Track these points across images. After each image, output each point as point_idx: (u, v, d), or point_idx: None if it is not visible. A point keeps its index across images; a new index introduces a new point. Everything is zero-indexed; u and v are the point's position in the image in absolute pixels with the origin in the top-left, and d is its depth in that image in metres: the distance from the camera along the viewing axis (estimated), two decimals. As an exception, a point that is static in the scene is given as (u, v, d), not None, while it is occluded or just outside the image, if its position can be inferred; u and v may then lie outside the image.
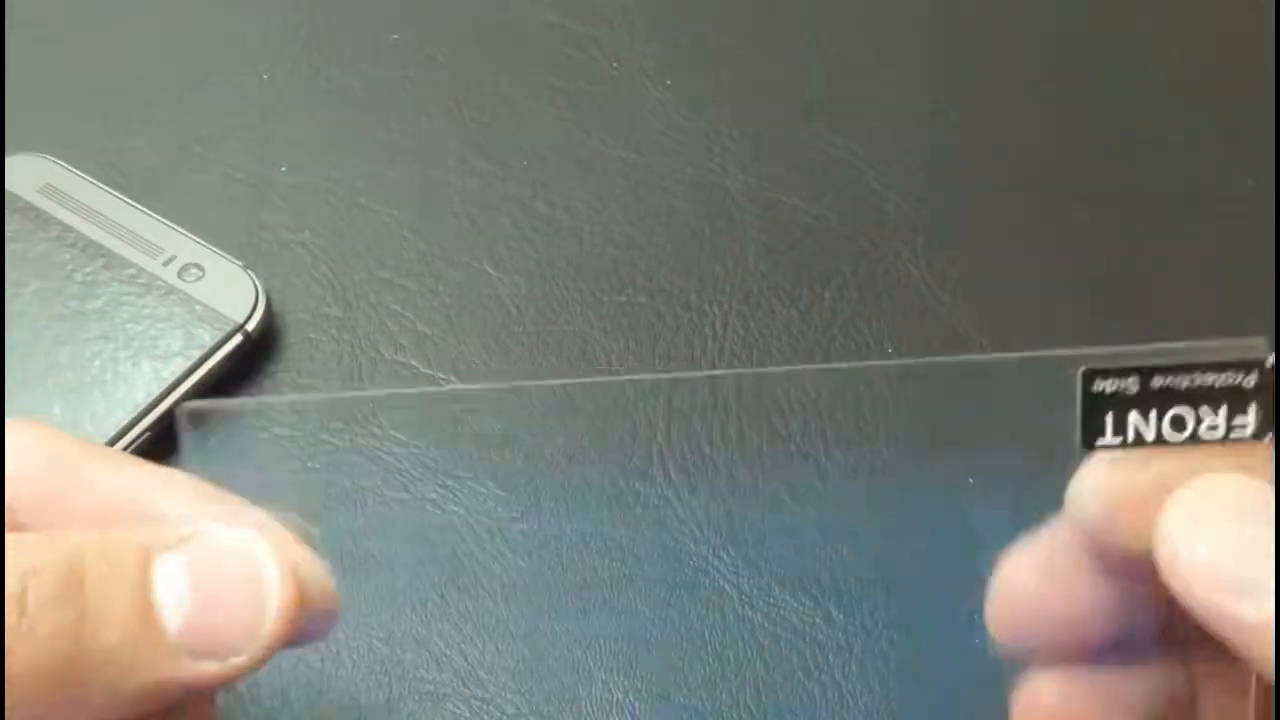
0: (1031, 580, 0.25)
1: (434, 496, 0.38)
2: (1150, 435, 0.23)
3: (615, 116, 0.47)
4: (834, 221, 0.44)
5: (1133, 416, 0.24)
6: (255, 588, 0.23)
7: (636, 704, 0.35)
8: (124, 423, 0.37)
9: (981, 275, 0.43)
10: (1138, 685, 0.25)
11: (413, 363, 0.41)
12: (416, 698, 0.35)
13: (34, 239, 0.40)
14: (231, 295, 0.40)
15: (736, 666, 0.36)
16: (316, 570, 0.24)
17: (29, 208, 0.41)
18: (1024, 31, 0.50)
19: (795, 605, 0.36)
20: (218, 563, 0.23)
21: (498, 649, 0.36)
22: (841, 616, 0.36)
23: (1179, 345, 0.24)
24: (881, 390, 0.28)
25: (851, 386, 0.27)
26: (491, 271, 0.43)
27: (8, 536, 0.22)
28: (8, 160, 0.42)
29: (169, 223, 0.41)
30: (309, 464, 0.39)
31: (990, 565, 0.25)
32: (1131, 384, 0.24)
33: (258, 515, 0.25)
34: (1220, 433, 0.23)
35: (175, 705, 0.23)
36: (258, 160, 0.45)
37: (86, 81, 0.47)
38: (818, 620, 0.36)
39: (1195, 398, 0.23)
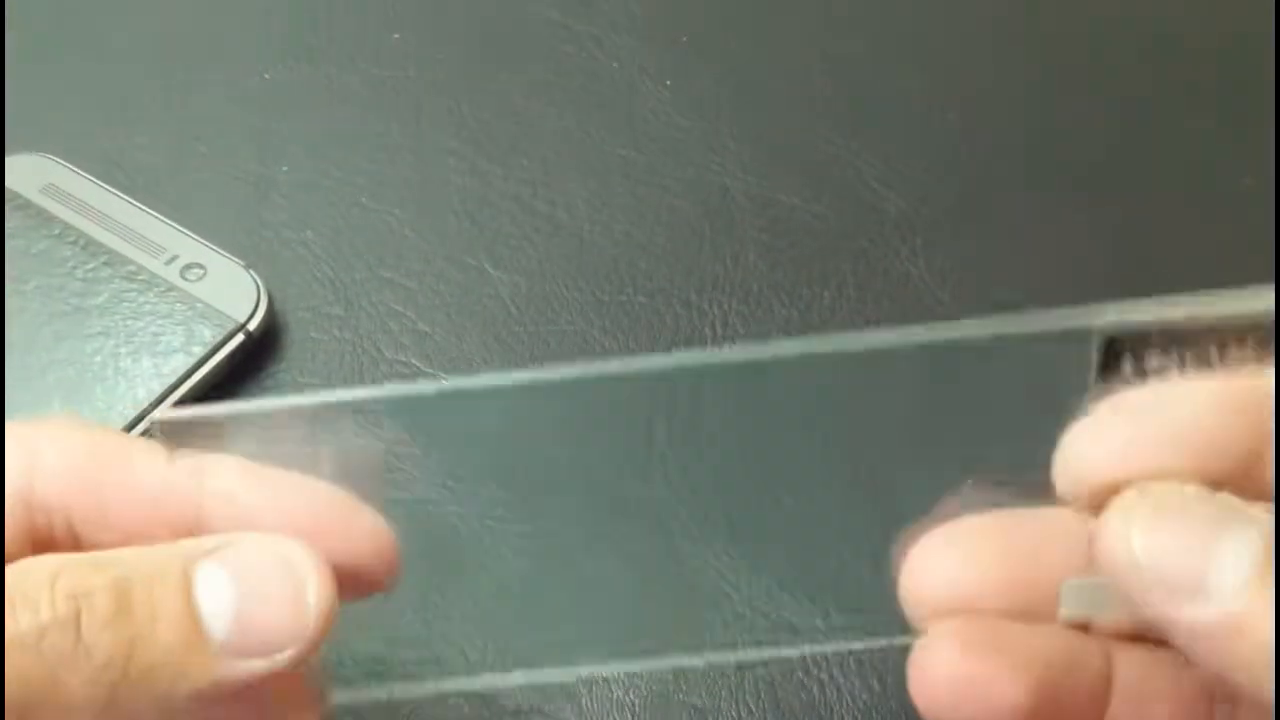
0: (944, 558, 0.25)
1: (434, 496, 0.38)
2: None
3: (615, 116, 0.47)
4: (834, 221, 0.44)
5: (1154, 361, 0.23)
6: (294, 587, 0.23)
7: (636, 704, 0.35)
8: (126, 422, 0.37)
9: (981, 275, 0.43)
10: (1042, 641, 0.25)
11: (414, 361, 0.41)
12: (418, 697, 0.35)
13: (35, 236, 0.40)
14: (233, 294, 0.40)
15: (736, 666, 0.36)
16: (366, 528, 0.25)
17: (30, 206, 0.41)
18: (1024, 31, 0.50)
19: (795, 605, 0.37)
20: (255, 566, 0.23)
21: (498, 648, 0.36)
22: (841, 617, 0.36)
23: (1190, 305, 0.23)
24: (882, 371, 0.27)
25: (859, 373, 0.26)
26: (492, 270, 0.43)
27: (52, 557, 0.22)
28: (10, 160, 0.42)
29: (171, 222, 0.41)
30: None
31: None
32: (1154, 348, 0.23)
33: (306, 485, 0.25)
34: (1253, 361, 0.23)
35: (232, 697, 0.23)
36: (259, 159, 0.45)
37: (88, 81, 0.47)
38: (817, 621, 0.36)
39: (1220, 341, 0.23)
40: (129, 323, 0.39)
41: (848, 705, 0.35)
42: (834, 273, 0.43)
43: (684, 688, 0.35)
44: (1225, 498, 0.22)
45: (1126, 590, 0.22)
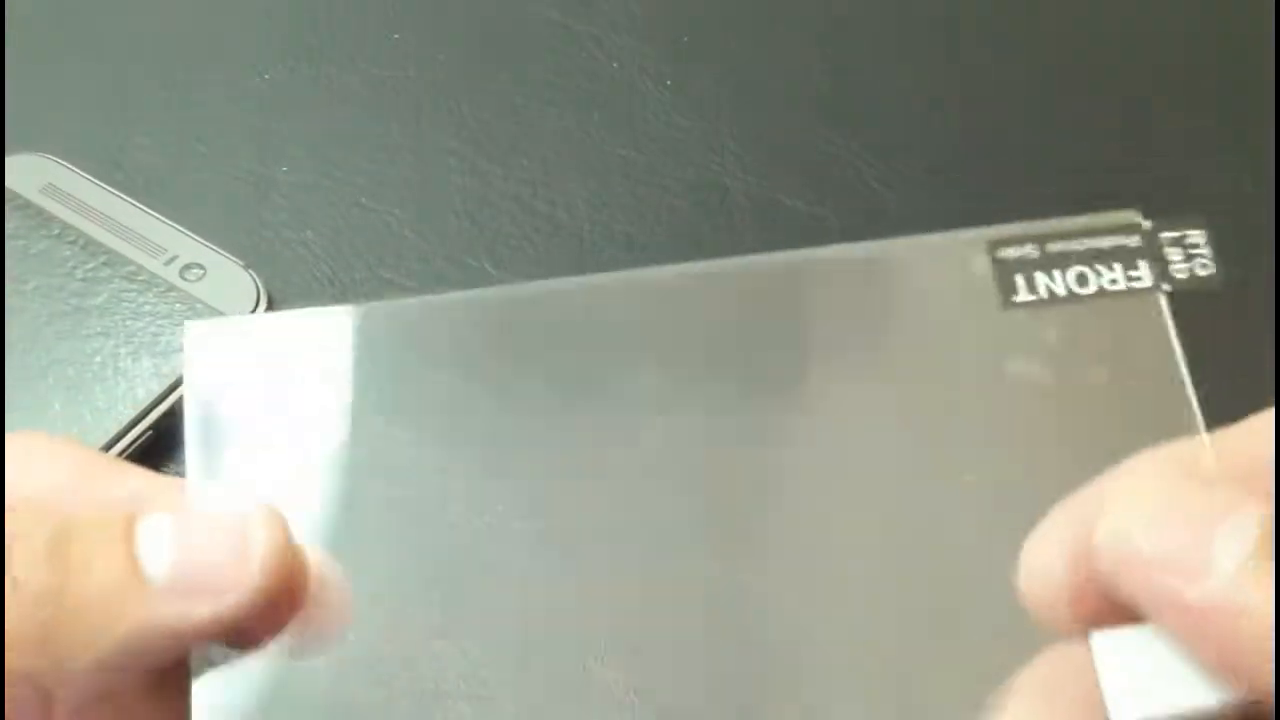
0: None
1: (435, 496, 0.38)
2: (1061, 290, 0.26)
3: (616, 116, 0.47)
4: (834, 221, 0.44)
5: (1040, 276, 0.27)
6: (239, 534, 0.23)
7: (637, 704, 0.35)
8: (126, 420, 0.37)
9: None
10: None
11: (413, 362, 0.41)
12: (417, 696, 0.35)
13: (35, 236, 0.40)
14: (233, 294, 0.40)
15: (736, 666, 0.36)
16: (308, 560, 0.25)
17: (30, 206, 0.41)
18: (1024, 32, 0.50)
19: (795, 605, 0.36)
20: (202, 514, 0.23)
21: (498, 648, 0.36)
22: (841, 617, 0.36)
23: (1064, 220, 0.27)
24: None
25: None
26: (492, 270, 0.43)
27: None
28: (9, 160, 0.42)
29: (170, 222, 0.41)
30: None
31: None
32: (1031, 250, 0.27)
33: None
34: (1121, 284, 0.26)
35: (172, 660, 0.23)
36: (259, 160, 0.45)
37: (88, 81, 0.47)
38: (818, 620, 0.36)
39: (1090, 258, 0.27)
40: (129, 323, 0.39)
41: (848, 706, 0.35)
42: (834, 273, 0.43)
43: (684, 688, 0.35)
44: (1223, 489, 0.22)
45: (1130, 586, 0.22)
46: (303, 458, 0.27)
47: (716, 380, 0.29)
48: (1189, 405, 0.26)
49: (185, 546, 0.22)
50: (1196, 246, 0.27)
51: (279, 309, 0.41)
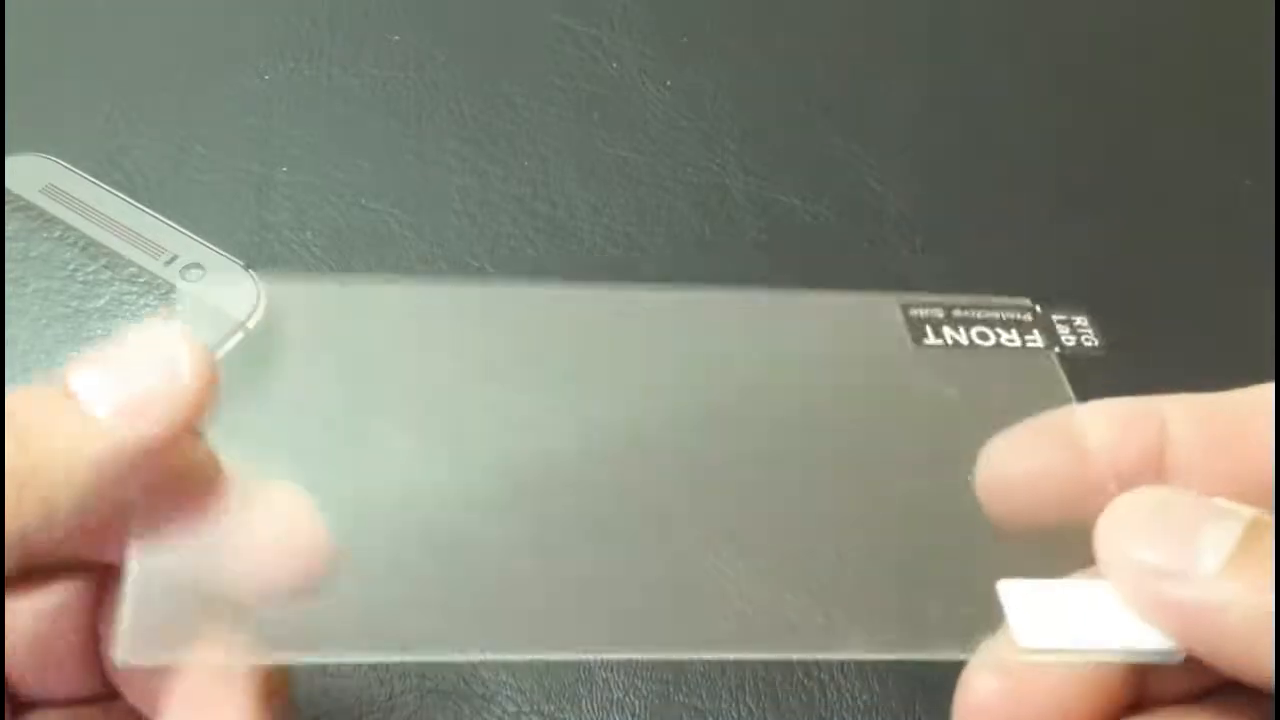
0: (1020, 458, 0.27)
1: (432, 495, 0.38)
2: (965, 341, 0.31)
3: (616, 116, 0.47)
4: (834, 221, 0.44)
5: (946, 329, 0.31)
6: (166, 358, 0.25)
7: (636, 704, 0.35)
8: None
9: (981, 275, 0.43)
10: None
11: (413, 362, 0.41)
12: (417, 695, 0.35)
13: (36, 239, 0.40)
14: (233, 294, 0.40)
15: (736, 666, 0.36)
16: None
17: (31, 207, 0.41)
18: (1023, 32, 0.50)
19: (795, 605, 0.37)
20: (130, 347, 0.25)
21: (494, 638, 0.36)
22: (841, 617, 0.36)
23: (965, 296, 0.31)
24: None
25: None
26: (492, 270, 0.43)
27: None
28: (9, 160, 0.42)
29: (170, 222, 0.41)
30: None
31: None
32: (938, 312, 0.31)
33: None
34: (1018, 343, 0.31)
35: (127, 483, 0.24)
36: (259, 160, 0.45)
37: (88, 82, 0.47)
38: (818, 619, 0.36)
39: (991, 323, 0.31)
40: (130, 326, 0.39)
41: (848, 706, 0.35)
42: (834, 273, 0.43)
43: (684, 688, 0.35)
44: (1207, 499, 0.24)
45: (1124, 587, 0.24)
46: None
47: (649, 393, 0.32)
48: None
49: (119, 379, 0.25)
50: (1082, 327, 0.31)
51: (279, 310, 0.41)
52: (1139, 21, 0.51)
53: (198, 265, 0.41)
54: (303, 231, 0.44)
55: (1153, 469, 0.26)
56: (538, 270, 0.43)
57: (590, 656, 0.30)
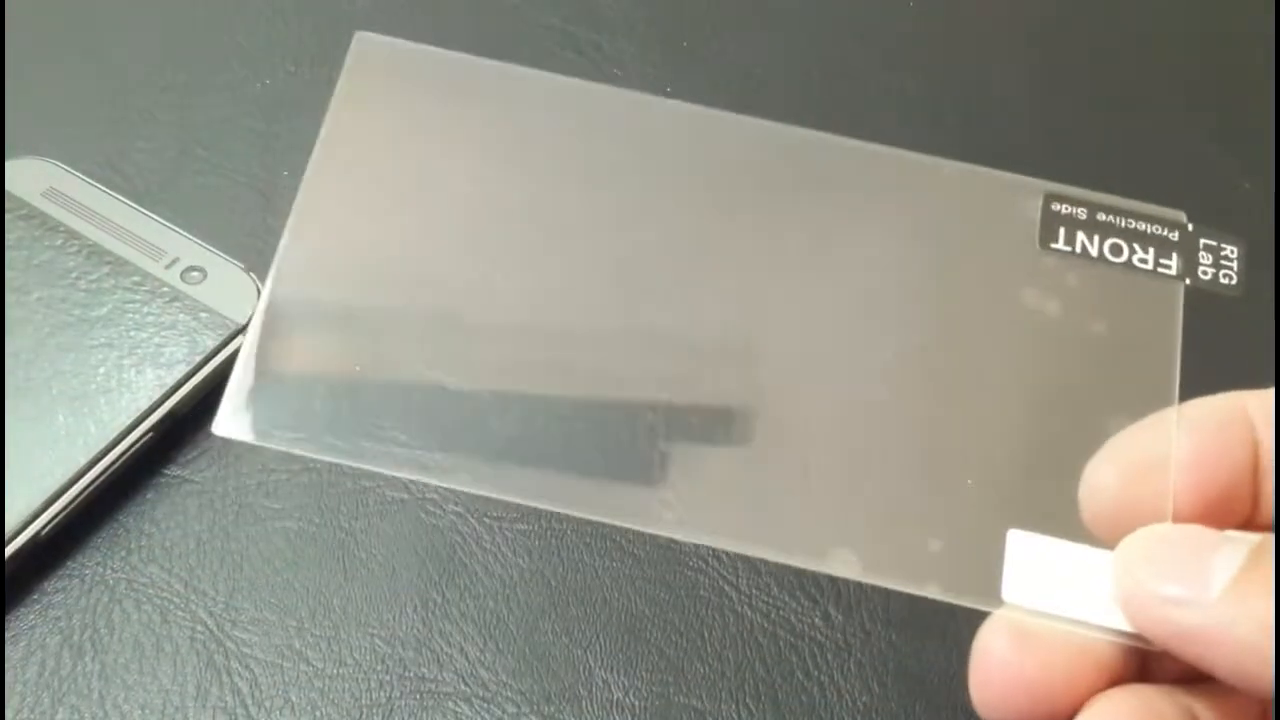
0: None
1: (434, 496, 0.38)
2: (1094, 252, 0.30)
3: (616, 120, 0.47)
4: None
5: (1080, 234, 0.30)
6: None
7: (636, 704, 0.35)
8: (125, 424, 0.37)
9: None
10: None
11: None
12: (417, 696, 0.35)
13: (38, 247, 0.41)
14: (233, 297, 0.40)
15: (736, 666, 0.36)
16: None
17: (34, 213, 0.41)
18: (1023, 33, 0.50)
19: (795, 605, 0.37)
20: None
21: (498, 648, 0.36)
22: (841, 617, 0.36)
23: (1121, 199, 0.30)
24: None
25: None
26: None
27: None
28: (10, 163, 0.42)
29: (171, 225, 0.41)
30: (310, 463, 0.39)
31: None
32: (1081, 212, 0.30)
33: None
34: (1150, 265, 0.29)
35: None
36: (260, 164, 0.45)
37: (89, 85, 0.47)
38: (817, 620, 0.36)
39: (1130, 236, 0.30)
40: (133, 334, 0.39)
41: (848, 707, 0.35)
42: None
43: (684, 689, 0.35)
44: (1214, 531, 0.25)
45: (1135, 614, 0.25)
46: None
47: (725, 215, 0.31)
48: (1171, 381, 0.29)
49: None
50: (1228, 258, 0.30)
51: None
52: (1138, 22, 0.51)
53: (199, 268, 0.41)
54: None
55: (1247, 480, 0.27)
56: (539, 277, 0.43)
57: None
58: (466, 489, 0.28)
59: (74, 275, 0.40)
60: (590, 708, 0.35)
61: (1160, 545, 0.25)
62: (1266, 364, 0.40)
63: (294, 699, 0.35)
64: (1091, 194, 0.30)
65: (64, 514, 0.36)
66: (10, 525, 0.36)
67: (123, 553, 0.37)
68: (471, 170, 0.32)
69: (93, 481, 0.37)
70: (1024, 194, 0.31)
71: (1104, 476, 0.27)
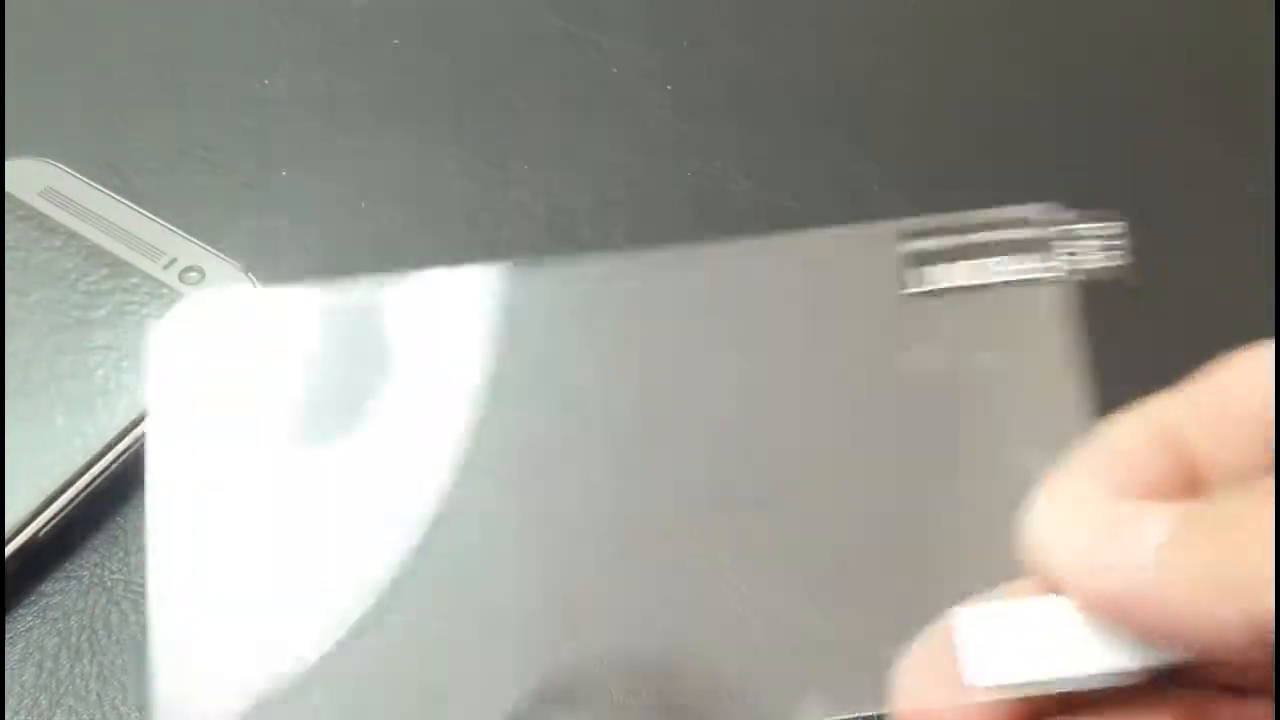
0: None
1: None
2: (966, 280, 0.28)
3: (616, 120, 0.47)
4: (834, 224, 0.44)
5: (946, 266, 0.28)
6: None
7: (636, 704, 0.35)
8: (124, 425, 0.37)
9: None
10: None
11: (413, 365, 0.41)
12: (416, 698, 0.35)
13: (37, 247, 0.40)
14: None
15: (737, 666, 0.35)
16: None
17: (32, 214, 0.41)
18: (1024, 33, 0.50)
19: (795, 605, 0.36)
20: None
21: (497, 649, 0.36)
22: (841, 616, 0.36)
23: (982, 212, 0.28)
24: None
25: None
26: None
27: None
28: (9, 164, 0.42)
29: (169, 225, 0.41)
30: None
31: None
32: (942, 241, 0.28)
33: None
34: (1031, 272, 0.27)
35: None
36: (258, 164, 0.45)
37: (88, 85, 0.47)
38: (817, 620, 0.36)
39: (1003, 249, 0.28)
40: (131, 335, 0.39)
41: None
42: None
43: (684, 689, 0.35)
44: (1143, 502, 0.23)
45: (1076, 595, 0.23)
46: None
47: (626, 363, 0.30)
48: (1080, 395, 0.27)
49: None
50: (1113, 238, 0.28)
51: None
52: (1140, 23, 0.51)
53: (197, 269, 0.40)
54: (302, 235, 0.44)
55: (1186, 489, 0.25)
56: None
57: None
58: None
59: (73, 276, 0.40)
60: (590, 708, 0.35)
61: (1088, 517, 0.24)
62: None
63: (293, 700, 0.35)
64: (947, 218, 0.28)
65: (62, 515, 0.36)
66: (9, 526, 0.35)
67: (121, 554, 0.37)
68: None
69: (91, 483, 0.37)
70: (876, 243, 0.29)
71: (1044, 523, 0.24)
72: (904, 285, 0.28)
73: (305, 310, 0.30)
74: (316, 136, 0.46)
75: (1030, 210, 0.28)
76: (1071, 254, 0.28)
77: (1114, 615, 0.23)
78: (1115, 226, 0.28)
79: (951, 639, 0.24)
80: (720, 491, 0.29)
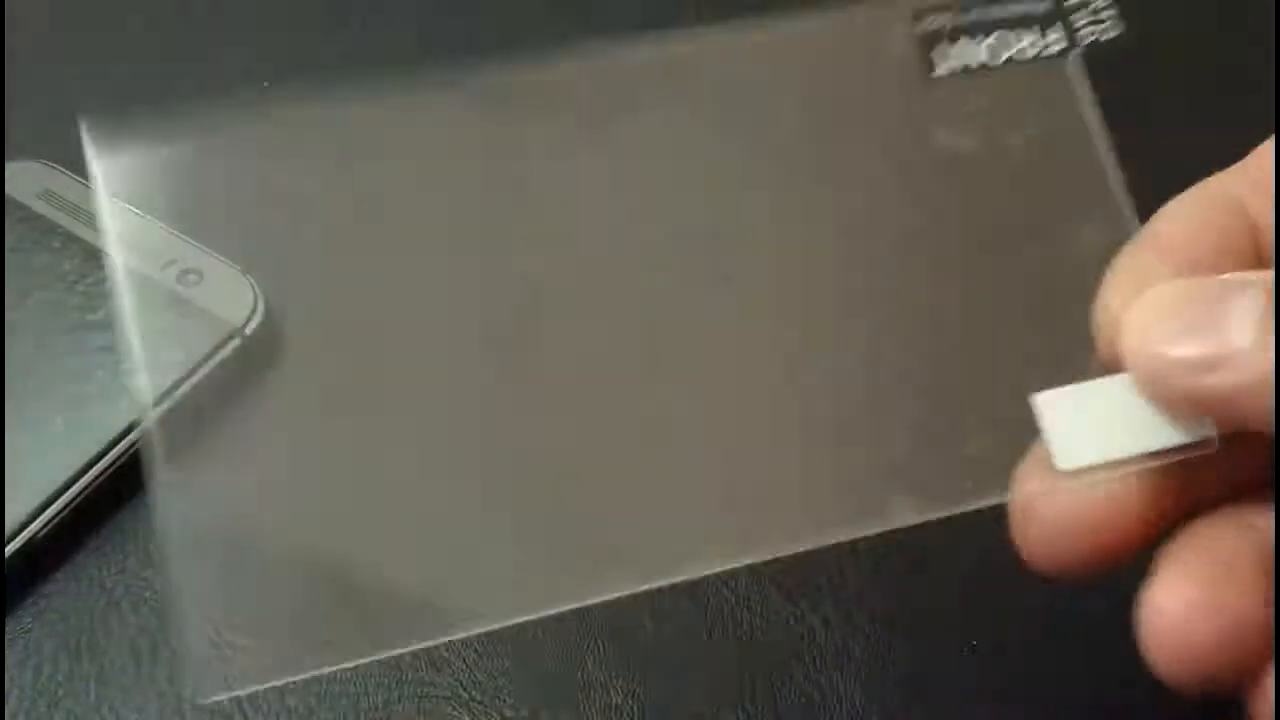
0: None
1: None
2: (979, 60, 0.28)
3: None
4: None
5: (959, 46, 0.28)
6: None
7: (635, 708, 0.35)
8: (123, 427, 0.37)
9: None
10: None
11: (412, 367, 0.41)
12: (415, 701, 0.35)
13: (36, 249, 0.40)
14: (230, 300, 0.40)
15: (736, 669, 0.36)
16: None
17: (31, 216, 0.41)
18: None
19: (793, 608, 0.36)
20: None
21: (495, 652, 0.36)
22: (840, 619, 0.36)
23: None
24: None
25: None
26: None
27: None
28: (8, 166, 0.42)
29: (168, 227, 0.41)
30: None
31: None
32: (950, 21, 0.28)
33: None
34: (1034, 51, 0.28)
35: None
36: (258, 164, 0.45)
37: (88, 87, 0.47)
38: (815, 623, 0.36)
39: (1005, 25, 0.28)
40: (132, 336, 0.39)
41: (847, 710, 0.35)
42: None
43: (682, 693, 0.35)
44: (1221, 278, 0.24)
45: (1151, 384, 0.24)
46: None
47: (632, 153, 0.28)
48: (1109, 165, 0.29)
49: None
50: (1102, 9, 0.30)
51: (276, 314, 0.41)
52: (1140, 23, 0.51)
53: (196, 271, 0.40)
54: (302, 236, 0.44)
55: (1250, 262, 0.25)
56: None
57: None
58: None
59: (71, 278, 0.40)
60: (589, 712, 0.35)
61: (1170, 305, 0.24)
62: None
63: (291, 704, 0.35)
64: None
65: (61, 517, 0.36)
66: (8, 528, 0.35)
67: (120, 556, 0.37)
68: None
69: (90, 485, 0.37)
70: (886, 25, 0.28)
71: (1111, 302, 0.25)
72: (930, 69, 0.28)
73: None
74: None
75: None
76: (1069, 28, 0.29)
77: (1214, 414, 0.23)
78: (1101, 1, 0.30)
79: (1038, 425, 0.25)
80: (756, 293, 0.28)
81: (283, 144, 0.29)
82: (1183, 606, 0.23)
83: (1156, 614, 0.24)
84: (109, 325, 0.39)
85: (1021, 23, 0.28)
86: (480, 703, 0.35)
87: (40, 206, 0.41)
